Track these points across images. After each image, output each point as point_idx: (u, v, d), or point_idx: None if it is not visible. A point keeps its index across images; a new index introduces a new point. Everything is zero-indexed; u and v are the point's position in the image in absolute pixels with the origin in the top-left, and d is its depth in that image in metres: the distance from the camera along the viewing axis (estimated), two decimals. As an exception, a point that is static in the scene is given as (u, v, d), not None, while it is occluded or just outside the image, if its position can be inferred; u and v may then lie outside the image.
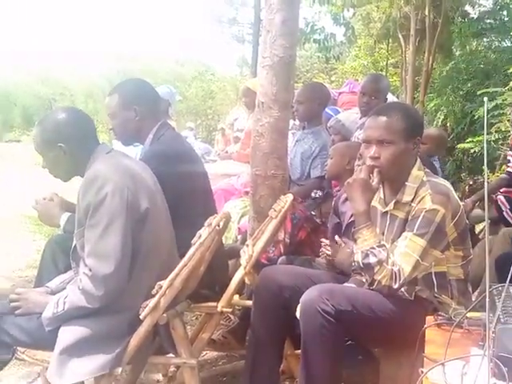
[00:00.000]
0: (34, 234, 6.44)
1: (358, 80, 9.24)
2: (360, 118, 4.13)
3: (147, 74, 19.19)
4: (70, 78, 23.96)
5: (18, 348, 2.29)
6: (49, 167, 2.46)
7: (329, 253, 2.81)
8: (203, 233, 2.31)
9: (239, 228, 4.04)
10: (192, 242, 2.30)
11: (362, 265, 2.23)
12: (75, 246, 2.33)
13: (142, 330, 2.21)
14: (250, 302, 2.72)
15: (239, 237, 3.98)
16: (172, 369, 2.87)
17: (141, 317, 2.17)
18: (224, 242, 3.24)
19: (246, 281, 2.59)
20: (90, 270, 2.18)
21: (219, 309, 2.48)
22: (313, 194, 3.99)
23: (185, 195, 2.72)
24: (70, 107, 2.67)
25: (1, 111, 20.83)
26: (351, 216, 2.70)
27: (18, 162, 13.42)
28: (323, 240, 2.91)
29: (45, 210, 2.65)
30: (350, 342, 2.35)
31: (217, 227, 2.37)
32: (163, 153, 2.83)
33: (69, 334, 2.20)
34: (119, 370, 2.22)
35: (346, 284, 2.52)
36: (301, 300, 2.24)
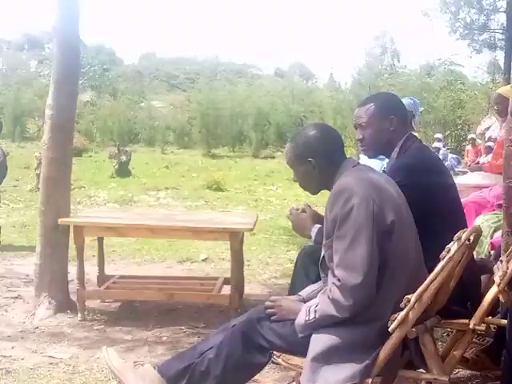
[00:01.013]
0: (287, 245, 6.79)
1: None
2: None
3: (393, 86, 19.11)
4: (319, 96, 24.89)
5: (274, 352, 2.42)
6: (299, 180, 2.59)
7: None
8: (452, 247, 2.23)
9: (492, 243, 3.82)
10: (440, 256, 2.24)
11: None
12: (324, 256, 2.43)
13: (390, 343, 2.21)
14: (504, 321, 2.56)
15: (492, 252, 3.76)
16: (422, 384, 2.82)
17: (389, 329, 2.17)
18: (475, 257, 3.10)
19: (501, 299, 2.45)
20: (339, 280, 2.24)
21: (471, 326, 2.37)
22: None
23: (432, 208, 2.66)
24: (320, 123, 2.78)
25: (258, 130, 22.33)
26: None
27: (273, 177, 14.29)
28: None
29: (297, 221, 2.78)
30: None
31: (466, 242, 2.28)
32: (410, 165, 2.81)
33: (320, 342, 2.28)
34: (369, 381, 2.23)
35: None
36: None
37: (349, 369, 2.21)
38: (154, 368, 2.53)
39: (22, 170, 12.75)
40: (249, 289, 4.92)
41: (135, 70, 41.81)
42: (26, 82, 28.13)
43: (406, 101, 4.76)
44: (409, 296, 2.15)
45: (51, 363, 3.44)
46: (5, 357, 3.52)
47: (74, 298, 4.34)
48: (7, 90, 26.37)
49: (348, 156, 2.58)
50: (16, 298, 4.66)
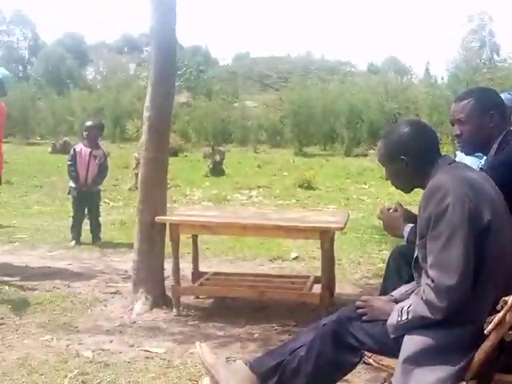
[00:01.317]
0: (379, 244, 6.69)
1: None
2: None
3: (492, 80, 18.36)
4: (414, 91, 24.31)
5: (365, 352, 2.41)
6: (391, 179, 2.55)
7: None
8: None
9: None
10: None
11: None
12: (417, 256, 2.38)
13: (486, 346, 2.14)
14: None
15: None
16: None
17: (485, 331, 2.10)
18: None
19: None
20: (433, 281, 2.19)
21: None
22: None
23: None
24: (414, 120, 2.72)
25: (350, 127, 22.08)
26: None
27: (365, 175, 14.11)
28: None
29: (389, 220, 2.74)
30: None
31: None
32: (509, 162, 2.70)
33: (412, 343, 2.24)
34: (463, 384, 2.18)
35: None
36: None
37: (442, 371, 2.16)
38: (246, 364, 2.57)
39: (121, 170, 13.22)
40: (340, 288, 4.90)
41: (229, 71, 42.47)
42: (126, 85, 29.16)
43: (504, 96, 4.56)
44: (506, 298, 2.07)
45: (147, 357, 3.56)
46: (103, 350, 3.67)
47: (169, 293, 4.47)
48: (108, 92, 27.46)
49: (444, 153, 2.52)
50: (115, 293, 4.85)
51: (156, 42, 4.50)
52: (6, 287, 4.90)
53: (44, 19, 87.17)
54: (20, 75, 39.10)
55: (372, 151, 19.24)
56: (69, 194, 7.08)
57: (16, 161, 14.89)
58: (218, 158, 14.23)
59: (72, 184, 6.88)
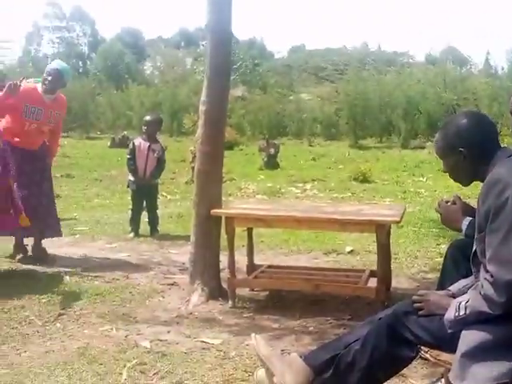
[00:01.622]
0: (437, 238, 6.58)
1: None
2: None
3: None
4: (473, 82, 23.70)
5: (422, 347, 2.38)
6: (449, 171, 2.52)
7: None
8: None
9: None
10: None
11: None
12: (475, 250, 2.34)
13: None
14: None
15: None
16: None
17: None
18: None
19: None
20: (492, 275, 2.16)
21: None
22: None
23: None
24: (473, 111, 2.68)
25: (407, 119, 21.70)
26: None
27: (422, 168, 13.86)
28: None
29: (447, 214, 2.70)
30: None
31: None
32: None
33: (470, 338, 2.21)
34: (522, 379, 2.13)
35: None
36: None
37: (500, 367, 2.12)
38: (301, 357, 2.58)
39: (178, 164, 13.37)
40: (396, 282, 4.84)
41: (284, 64, 42.39)
42: (182, 79, 29.42)
43: None
44: None
45: (203, 348, 3.61)
46: (161, 341, 3.74)
47: (225, 285, 4.52)
48: (165, 86, 27.79)
49: (503, 145, 2.46)
50: (172, 284, 4.93)
51: (212, 36, 4.53)
52: (67, 278, 5.06)
53: (103, 15, 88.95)
54: (80, 71, 40.01)
55: (430, 143, 18.84)
56: (128, 187, 7.23)
57: (76, 155, 15.29)
58: (272, 151, 14.23)
59: (131, 177, 7.02)
